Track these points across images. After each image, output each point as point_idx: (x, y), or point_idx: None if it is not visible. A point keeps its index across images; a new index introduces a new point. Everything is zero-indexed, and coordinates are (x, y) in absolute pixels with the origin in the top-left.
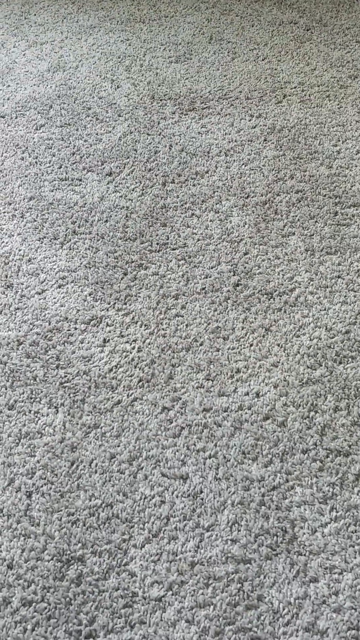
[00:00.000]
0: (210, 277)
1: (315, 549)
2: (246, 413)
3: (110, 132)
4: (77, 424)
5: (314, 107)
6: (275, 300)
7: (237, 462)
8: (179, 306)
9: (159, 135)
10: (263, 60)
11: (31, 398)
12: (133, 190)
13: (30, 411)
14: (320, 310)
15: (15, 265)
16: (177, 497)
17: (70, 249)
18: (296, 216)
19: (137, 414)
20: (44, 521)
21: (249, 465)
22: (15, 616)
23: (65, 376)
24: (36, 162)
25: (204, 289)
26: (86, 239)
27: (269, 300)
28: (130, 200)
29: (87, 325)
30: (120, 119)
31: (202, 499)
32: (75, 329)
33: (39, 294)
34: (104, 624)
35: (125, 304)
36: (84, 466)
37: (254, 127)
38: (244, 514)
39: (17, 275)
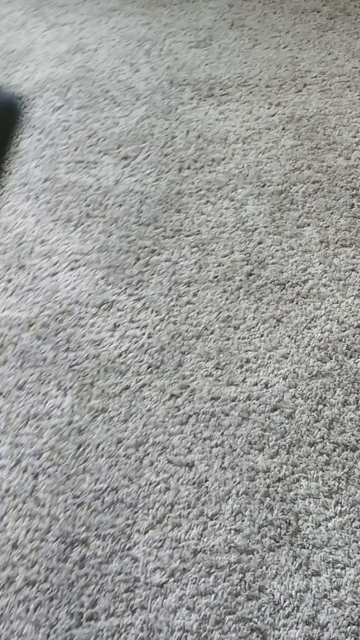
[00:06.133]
0: (223, 265)
1: (319, 542)
2: (254, 403)
3: (127, 116)
4: (85, 407)
5: (334, 97)
6: (288, 291)
7: (243, 452)
8: (191, 293)
9: (177, 120)
10: (284, 48)
11: (40, 380)
12: (148, 175)
13: (39, 392)
14: (333, 303)
15: (28, 246)
16: (182, 484)
17: (83, 232)
18: (312, 207)
19: (145, 400)
20: (50, 503)
21: (255, 455)
22: (19, 595)
23: (75, 359)
24: (52, 144)
25: (216, 277)
26: (100, 222)
27: (282, 291)
28: (145, 185)
29: (98, 309)
30: (137, 103)
31: (207, 488)
32: (86, 312)
33: (51, 276)
34: (106, 607)
35: (137, 289)
36: (91, 450)
37: (273, 116)
38: (248, 505)
39: (30, 256)
